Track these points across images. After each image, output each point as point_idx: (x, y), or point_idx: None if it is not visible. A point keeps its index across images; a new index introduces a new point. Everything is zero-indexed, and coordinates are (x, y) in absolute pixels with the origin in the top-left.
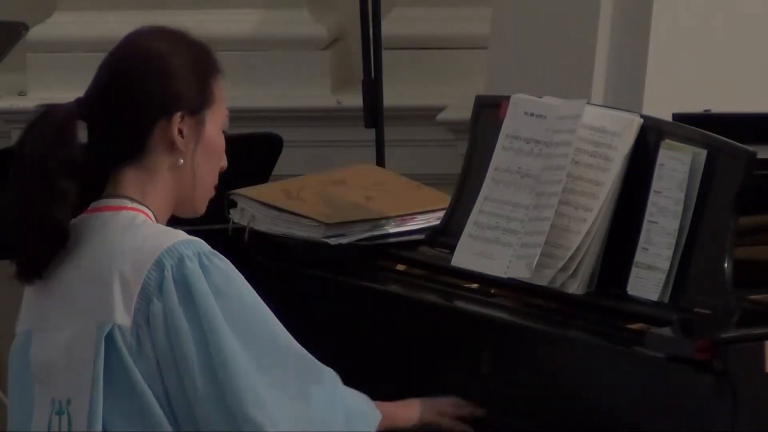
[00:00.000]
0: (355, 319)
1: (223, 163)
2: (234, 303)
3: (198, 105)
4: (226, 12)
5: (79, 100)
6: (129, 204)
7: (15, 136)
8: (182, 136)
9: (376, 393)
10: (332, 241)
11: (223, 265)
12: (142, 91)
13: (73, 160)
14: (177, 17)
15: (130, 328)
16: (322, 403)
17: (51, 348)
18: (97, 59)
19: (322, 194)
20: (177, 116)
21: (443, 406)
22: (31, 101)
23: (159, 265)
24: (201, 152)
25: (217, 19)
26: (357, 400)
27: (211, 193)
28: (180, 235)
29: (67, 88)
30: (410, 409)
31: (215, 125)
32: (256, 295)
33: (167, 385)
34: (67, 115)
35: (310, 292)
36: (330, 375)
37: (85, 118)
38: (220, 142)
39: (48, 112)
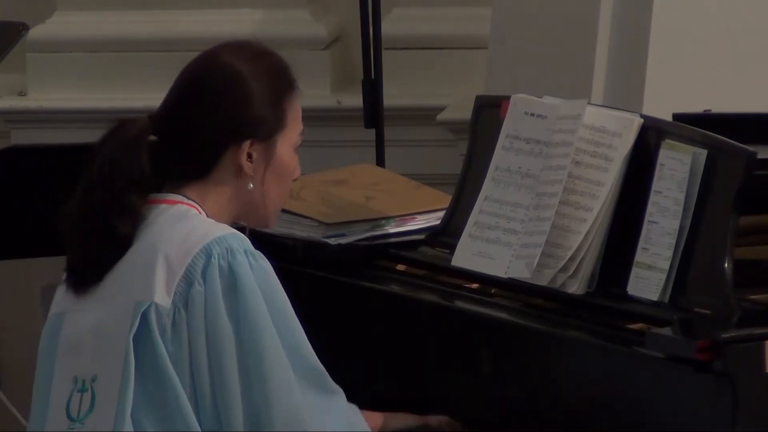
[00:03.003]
0: (355, 319)
1: (297, 174)
2: (271, 305)
3: (270, 131)
4: (226, 12)
5: (152, 116)
6: (186, 200)
7: (15, 136)
8: (251, 161)
9: (376, 393)
10: (332, 241)
11: (267, 266)
12: (215, 116)
13: (143, 177)
14: (177, 17)
15: (167, 309)
16: (327, 417)
17: (80, 326)
18: (97, 59)
19: (322, 194)
20: (246, 144)
21: (432, 420)
22: (31, 101)
23: (206, 251)
24: (270, 175)
25: (217, 19)
26: (353, 419)
27: (282, 206)
28: (229, 229)
29: (67, 88)
30: (398, 420)
31: (287, 146)
32: (289, 302)
33: (194, 371)
34: (139, 132)
35: (310, 292)
36: (336, 391)
37: (157, 134)
38: (292, 162)
39: (121, 127)
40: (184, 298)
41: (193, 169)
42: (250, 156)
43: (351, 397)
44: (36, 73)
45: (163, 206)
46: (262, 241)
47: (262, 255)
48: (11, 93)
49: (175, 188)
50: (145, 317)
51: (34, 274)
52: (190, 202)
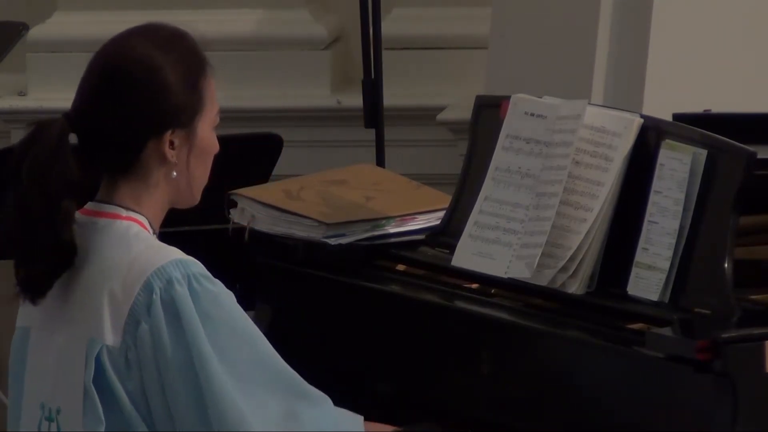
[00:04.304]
0: (355, 319)
1: (216, 149)
2: (221, 327)
3: (189, 117)
4: (226, 12)
5: (68, 115)
6: (123, 213)
7: (15, 136)
8: (173, 148)
9: (376, 393)
10: (332, 241)
11: (213, 287)
12: (133, 110)
13: (72, 178)
14: (177, 17)
15: (118, 349)
16: (309, 425)
17: (46, 350)
18: None
19: (322, 194)
20: (167, 134)
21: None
22: (31, 101)
23: (148, 287)
24: (194, 157)
25: (217, 19)
26: (346, 423)
27: (206, 181)
28: (171, 254)
29: (67, 88)
30: None
31: (206, 127)
32: (247, 317)
33: (152, 406)
34: (59, 134)
35: (310, 292)
36: (319, 397)
37: (76, 131)
38: (213, 140)
39: (39, 131)
40: (133, 336)
41: (115, 164)
42: (172, 143)
43: (351, 397)
44: (36, 73)
45: (102, 222)
46: (262, 241)
47: (209, 276)
48: (11, 93)
49: (109, 194)
50: (99, 360)
51: None
52: (129, 214)
